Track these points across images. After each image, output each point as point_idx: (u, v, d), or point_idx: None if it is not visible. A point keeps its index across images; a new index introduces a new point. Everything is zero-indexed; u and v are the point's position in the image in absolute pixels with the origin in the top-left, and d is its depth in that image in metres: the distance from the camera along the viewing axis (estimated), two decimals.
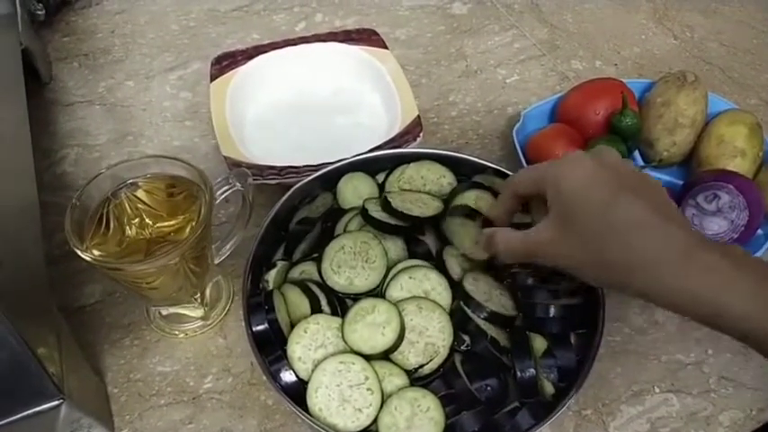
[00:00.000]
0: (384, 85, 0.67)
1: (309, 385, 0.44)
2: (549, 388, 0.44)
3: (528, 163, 0.62)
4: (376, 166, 0.57)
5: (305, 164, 0.58)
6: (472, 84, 0.76)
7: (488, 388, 0.44)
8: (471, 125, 0.72)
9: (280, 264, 0.52)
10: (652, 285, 0.37)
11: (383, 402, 0.44)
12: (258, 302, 0.47)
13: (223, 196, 0.51)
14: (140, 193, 0.49)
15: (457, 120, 0.73)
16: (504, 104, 0.74)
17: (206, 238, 0.49)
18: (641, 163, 0.63)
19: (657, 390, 0.53)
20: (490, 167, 0.55)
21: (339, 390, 0.44)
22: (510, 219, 0.48)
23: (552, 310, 0.46)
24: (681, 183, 0.62)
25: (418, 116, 0.62)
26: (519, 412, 0.43)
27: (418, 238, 0.53)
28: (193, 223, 0.48)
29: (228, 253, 0.55)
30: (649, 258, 0.36)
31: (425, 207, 0.53)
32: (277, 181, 0.57)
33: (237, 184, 0.51)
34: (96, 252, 0.46)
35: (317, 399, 0.44)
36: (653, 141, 0.64)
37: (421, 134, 0.61)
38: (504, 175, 0.55)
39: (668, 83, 0.66)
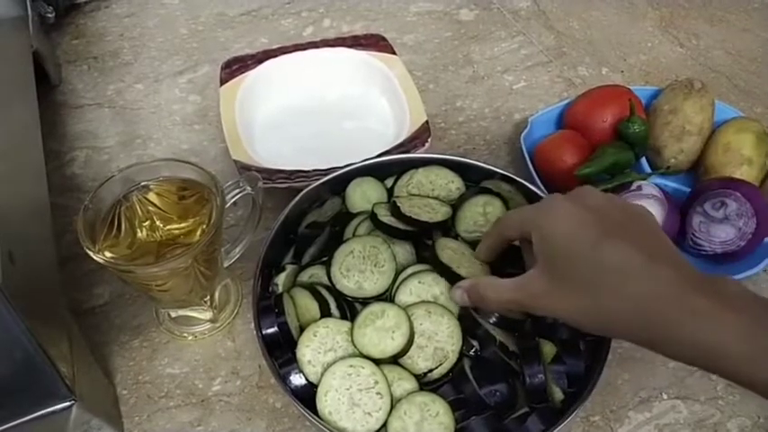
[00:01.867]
0: (392, 91, 0.68)
1: (319, 389, 0.44)
2: (558, 394, 0.45)
3: (535, 169, 0.63)
4: (385, 170, 0.57)
5: (314, 168, 0.58)
6: (479, 89, 0.77)
7: (497, 393, 0.44)
8: (478, 131, 0.72)
9: (289, 267, 0.52)
10: (651, 334, 0.35)
11: (392, 406, 0.44)
12: (268, 306, 0.47)
13: (233, 200, 0.51)
14: (152, 196, 0.50)
15: (464, 125, 0.73)
16: (511, 110, 0.74)
17: (217, 242, 0.49)
18: (648, 170, 0.63)
19: (665, 396, 0.53)
20: (498, 173, 0.55)
21: (349, 393, 0.44)
22: (492, 258, 0.48)
23: None
24: (688, 190, 0.62)
25: (427, 121, 0.63)
26: (528, 418, 0.43)
27: (427, 242, 0.53)
28: (204, 226, 0.48)
29: (238, 256, 0.55)
30: (641, 307, 0.35)
31: (434, 212, 0.53)
32: (287, 185, 0.58)
33: (248, 187, 0.51)
34: (108, 254, 0.46)
35: (327, 402, 0.44)
36: (660, 148, 0.64)
37: (429, 139, 0.61)
38: (512, 181, 0.55)
39: (675, 90, 0.66)
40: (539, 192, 0.54)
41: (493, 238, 0.46)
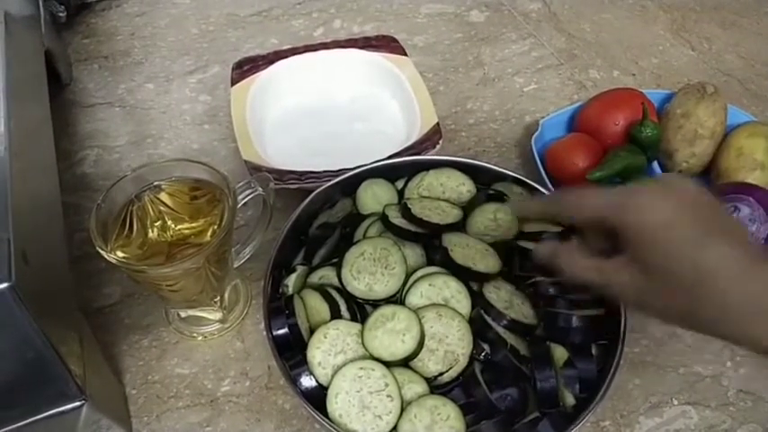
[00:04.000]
0: (403, 92, 0.68)
1: (329, 391, 0.44)
2: (569, 399, 0.44)
3: (546, 172, 0.62)
4: (395, 172, 0.57)
5: (324, 169, 0.58)
6: (490, 92, 0.76)
7: (508, 397, 0.44)
8: (489, 133, 0.72)
9: (299, 268, 0.52)
10: (745, 334, 0.34)
11: (403, 409, 0.44)
12: (278, 307, 0.47)
13: (245, 200, 0.51)
14: (163, 196, 0.50)
15: (474, 127, 0.73)
16: (522, 113, 0.74)
17: (228, 242, 0.49)
18: (660, 173, 0.63)
19: (676, 402, 0.53)
20: (510, 176, 0.55)
21: (359, 396, 0.44)
22: (531, 216, 0.47)
23: (574, 320, 0.46)
24: None
25: (437, 123, 0.62)
26: (539, 423, 0.43)
27: (437, 244, 0.53)
28: (215, 227, 0.48)
29: (248, 256, 0.55)
30: (746, 311, 0.34)
31: (444, 214, 0.53)
32: (297, 186, 0.58)
33: (259, 188, 0.51)
34: (120, 254, 0.46)
35: (337, 404, 0.44)
36: (672, 152, 0.64)
37: (440, 141, 0.61)
38: (524, 184, 0.55)
39: (688, 94, 0.66)
40: None
41: (555, 207, 0.43)
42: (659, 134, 0.62)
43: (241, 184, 0.51)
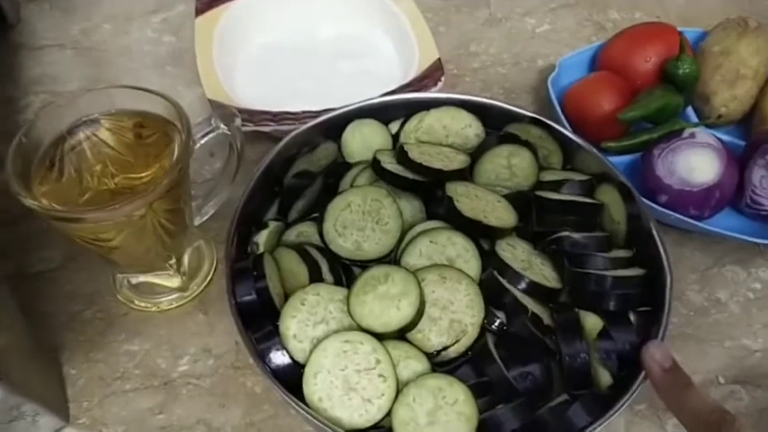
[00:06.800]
0: (398, 29, 0.60)
1: (307, 369, 0.37)
2: (605, 378, 0.36)
3: (566, 117, 0.54)
4: (389, 113, 0.49)
5: (303, 110, 0.49)
6: (496, 33, 0.68)
7: (529, 376, 0.36)
8: (496, 78, 0.64)
9: (272, 224, 0.44)
10: None
11: (398, 392, 0.36)
12: (245, 268, 0.39)
13: (205, 139, 0.42)
14: (103, 134, 0.41)
15: (479, 72, 0.64)
16: (534, 56, 0.66)
17: (181, 187, 0.40)
18: (695, 120, 0.54)
19: (722, 380, 0.46)
20: (528, 116, 0.47)
21: (344, 375, 0.36)
22: None
23: (609, 283, 0.38)
24: (741, 143, 0.54)
25: (439, 59, 0.54)
26: (570, 408, 0.35)
27: (439, 195, 0.44)
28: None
29: (212, 212, 0.48)
30: None
31: (448, 160, 0.45)
32: (271, 128, 0.49)
33: (222, 125, 0.43)
34: (45, 201, 0.37)
35: (317, 386, 0.36)
36: (709, 95, 0.56)
37: (442, 78, 0.53)
38: (544, 125, 0.46)
39: (727, 30, 0.57)
40: (574, 138, 0.46)
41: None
42: (698, 71, 0.53)
43: (200, 120, 0.42)
